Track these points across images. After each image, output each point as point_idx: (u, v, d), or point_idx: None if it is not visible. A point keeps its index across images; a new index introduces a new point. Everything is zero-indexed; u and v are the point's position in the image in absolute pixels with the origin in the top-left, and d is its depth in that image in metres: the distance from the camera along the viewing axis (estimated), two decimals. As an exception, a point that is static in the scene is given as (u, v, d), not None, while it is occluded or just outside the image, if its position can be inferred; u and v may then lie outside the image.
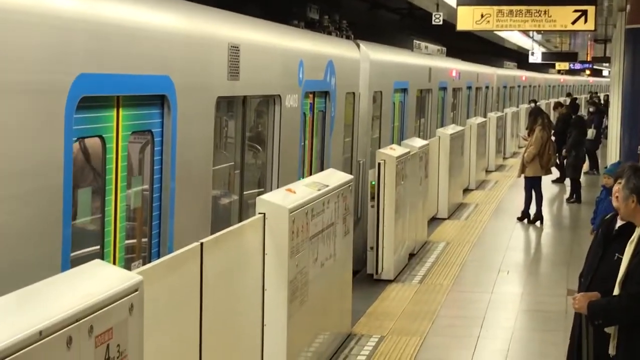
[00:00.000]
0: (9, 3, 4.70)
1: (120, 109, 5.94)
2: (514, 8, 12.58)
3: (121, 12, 5.95)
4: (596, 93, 39.69)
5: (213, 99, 7.36)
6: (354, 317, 8.97)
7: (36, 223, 4.95)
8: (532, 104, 26.17)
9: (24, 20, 4.81)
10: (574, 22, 12.34)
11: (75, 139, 5.38)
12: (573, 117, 20.44)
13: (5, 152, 4.67)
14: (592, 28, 12.57)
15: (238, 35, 7.98)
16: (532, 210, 15.31)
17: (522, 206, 15.54)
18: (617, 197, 5.37)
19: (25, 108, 4.82)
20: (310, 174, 10.13)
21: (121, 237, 6.03)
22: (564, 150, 18.90)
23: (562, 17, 12.37)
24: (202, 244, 5.33)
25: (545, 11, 12.38)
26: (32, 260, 4.91)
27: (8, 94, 4.67)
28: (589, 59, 37.93)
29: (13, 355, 3.09)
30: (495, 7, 12.46)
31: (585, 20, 12.32)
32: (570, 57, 35.62)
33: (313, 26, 12.18)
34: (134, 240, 6.44)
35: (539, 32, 25.23)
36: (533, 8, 12.47)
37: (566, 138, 19.55)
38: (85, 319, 3.59)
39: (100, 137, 5.75)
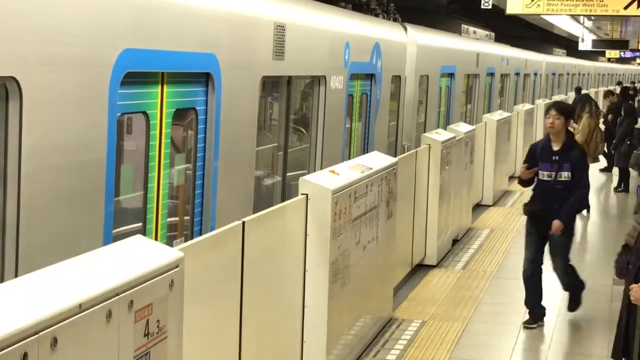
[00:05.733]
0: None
1: (165, 86, 5.92)
2: (565, -8, 12.37)
3: (167, -11, 5.92)
4: (633, 83, 39.01)
5: (258, 78, 7.32)
6: (396, 302, 8.91)
7: (78, 198, 4.95)
8: (577, 93, 25.80)
9: (70, -6, 4.80)
10: (626, 7, 12.09)
11: (119, 114, 5.37)
12: (624, 105, 20.09)
13: (50, 125, 4.67)
14: (645, 14, 12.32)
15: (284, 15, 7.93)
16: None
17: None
18: None
19: (69, 82, 4.82)
20: (354, 157, 10.06)
21: (163, 215, 6.03)
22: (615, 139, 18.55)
23: (614, 2, 12.13)
24: (243, 222, 5.29)
25: (597, -5, 12.16)
26: (74, 235, 4.91)
27: (53, 67, 4.67)
28: (640, 47, 37.30)
29: (53, 327, 3.08)
30: (546, -9, 12.28)
31: (638, 6, 12.07)
32: (621, 44, 35.07)
33: (360, 8, 12.09)
34: (176, 218, 6.44)
35: (589, 18, 24.82)
36: (585, -8, 12.26)
37: (615, 127, 19.23)
38: (125, 293, 3.56)
39: (144, 113, 5.74)
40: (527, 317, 8.50)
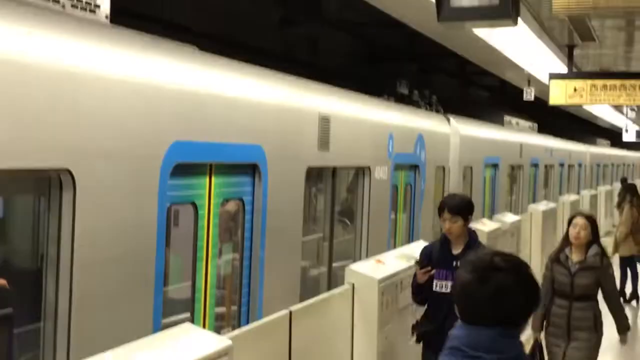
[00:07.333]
0: (107, 72, 4.84)
1: (213, 177, 6.02)
2: (608, 82, 12.41)
3: (214, 82, 6.07)
4: None
5: (303, 168, 7.41)
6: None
7: (129, 287, 5.01)
8: (623, 183, 25.66)
9: (122, 89, 4.94)
10: (670, 97, 12.10)
11: (169, 204, 5.45)
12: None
13: (102, 216, 4.76)
14: (689, 103, 12.31)
15: (329, 107, 8.06)
16: (628, 289, 14.87)
17: (617, 285, 15.09)
18: None
19: (121, 173, 4.92)
20: (400, 247, 10.05)
21: (211, 305, 6.05)
22: None
23: (658, 92, 12.15)
24: (290, 312, 5.31)
25: (640, 85, 12.19)
26: (124, 324, 4.94)
27: (105, 159, 4.78)
28: (684, 137, 37.07)
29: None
30: (589, 81, 12.32)
31: (682, 95, 12.07)
32: (666, 134, 34.84)
33: (403, 100, 12.25)
34: (224, 308, 6.46)
35: (632, 108, 24.83)
36: (627, 82, 12.29)
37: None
38: (175, 380, 3.58)
39: (193, 203, 5.82)
40: None
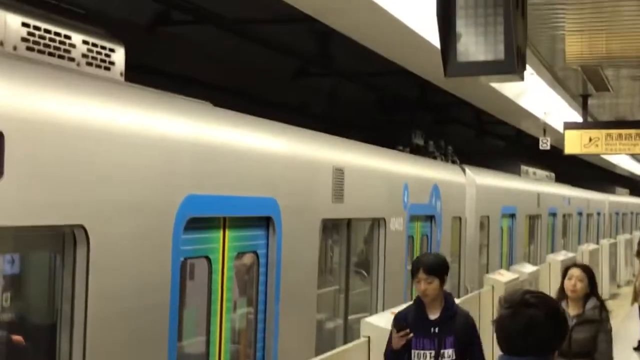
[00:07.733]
0: (120, 128, 4.88)
1: (226, 230, 6.03)
2: (623, 132, 12.40)
3: (228, 136, 6.11)
4: None
5: (318, 221, 7.42)
6: None
7: (142, 342, 5.00)
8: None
9: (135, 145, 4.99)
10: (686, 145, 12.07)
11: (183, 258, 5.46)
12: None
13: (116, 271, 4.77)
14: None
15: (342, 158, 8.09)
16: (650, 339, 14.70)
17: (638, 335, 14.93)
18: None
19: (134, 228, 4.94)
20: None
21: (226, 359, 6.03)
22: None
23: (674, 140, 12.12)
24: (305, 366, 5.28)
25: (655, 134, 12.17)
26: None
27: (118, 214, 4.80)
28: None
29: None
30: (604, 131, 12.32)
31: (699, 143, 12.04)
32: (685, 182, 34.70)
33: (418, 151, 12.28)
34: (238, 362, 6.43)
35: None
36: (643, 131, 12.28)
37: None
38: None
39: (207, 257, 5.83)
40: None
